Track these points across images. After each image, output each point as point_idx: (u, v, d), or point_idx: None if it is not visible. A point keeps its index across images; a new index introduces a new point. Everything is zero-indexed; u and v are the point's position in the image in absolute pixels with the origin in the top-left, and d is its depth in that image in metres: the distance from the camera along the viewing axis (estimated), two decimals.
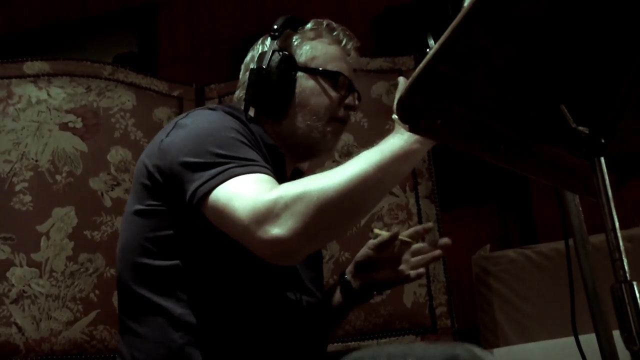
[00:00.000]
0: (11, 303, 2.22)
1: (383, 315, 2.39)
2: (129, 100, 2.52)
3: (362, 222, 2.44)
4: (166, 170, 1.37)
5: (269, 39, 1.61)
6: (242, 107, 1.56)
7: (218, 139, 1.36)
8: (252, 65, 1.59)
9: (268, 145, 1.48)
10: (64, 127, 2.42)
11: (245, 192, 1.26)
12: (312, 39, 1.62)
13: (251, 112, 1.57)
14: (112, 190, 2.39)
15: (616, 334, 1.23)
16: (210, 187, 1.28)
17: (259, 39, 1.68)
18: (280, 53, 1.56)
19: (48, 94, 2.44)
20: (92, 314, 2.27)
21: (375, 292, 1.71)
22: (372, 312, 2.38)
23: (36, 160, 2.36)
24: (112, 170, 2.41)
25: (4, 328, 2.19)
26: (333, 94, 1.58)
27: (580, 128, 1.06)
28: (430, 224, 1.72)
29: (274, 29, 1.60)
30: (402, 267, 1.65)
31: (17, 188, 2.32)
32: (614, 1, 1.00)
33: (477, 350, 1.29)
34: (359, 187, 1.25)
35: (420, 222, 2.48)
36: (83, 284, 2.29)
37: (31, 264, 2.27)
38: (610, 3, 1.00)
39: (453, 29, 0.94)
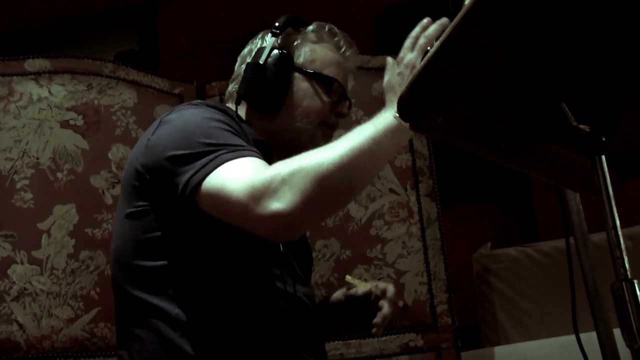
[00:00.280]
0: (12, 300, 2.22)
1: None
2: (130, 98, 2.52)
3: (363, 220, 2.44)
4: (154, 167, 1.37)
5: (269, 35, 1.60)
6: (233, 101, 1.56)
7: (204, 129, 1.36)
8: (248, 59, 1.59)
9: (256, 140, 1.47)
10: (65, 124, 2.42)
11: (239, 174, 1.26)
12: (313, 42, 1.62)
13: (243, 107, 1.57)
14: (113, 188, 2.39)
15: (617, 332, 1.23)
16: (202, 175, 1.28)
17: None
18: (279, 51, 1.56)
19: (49, 92, 2.44)
20: (93, 312, 2.27)
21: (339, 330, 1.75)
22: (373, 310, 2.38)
23: (37, 158, 2.36)
24: (113, 168, 2.41)
25: (4, 325, 2.20)
26: (326, 99, 1.58)
27: (581, 126, 1.06)
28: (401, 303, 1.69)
29: (275, 26, 1.60)
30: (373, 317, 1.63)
31: (18, 185, 2.32)
32: None
33: None
34: (355, 159, 1.26)
35: (421, 220, 2.48)
36: (84, 281, 2.29)
37: (32, 261, 2.27)
38: (611, 0, 1.00)
39: (454, 27, 0.94)
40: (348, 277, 1.67)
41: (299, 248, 1.59)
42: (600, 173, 1.05)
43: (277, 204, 1.20)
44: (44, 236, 2.30)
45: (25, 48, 3.57)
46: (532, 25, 0.98)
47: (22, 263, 2.26)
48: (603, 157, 1.06)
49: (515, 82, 1.05)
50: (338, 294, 1.72)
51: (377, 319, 1.58)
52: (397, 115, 1.04)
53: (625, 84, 1.05)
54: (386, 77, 1.46)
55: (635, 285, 0.99)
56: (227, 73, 1.70)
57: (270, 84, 1.53)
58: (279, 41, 1.58)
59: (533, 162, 1.18)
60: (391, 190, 2.49)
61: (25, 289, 2.24)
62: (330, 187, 1.24)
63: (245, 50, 1.67)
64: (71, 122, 2.42)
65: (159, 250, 1.39)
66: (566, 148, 1.14)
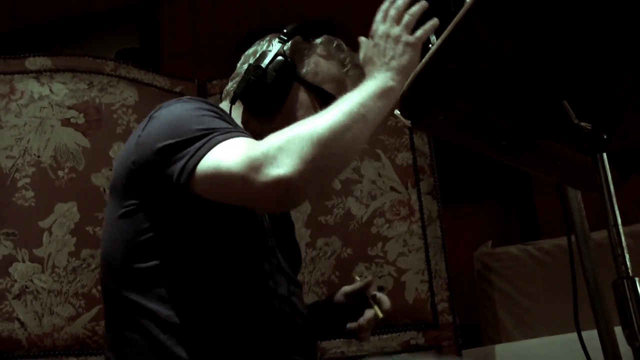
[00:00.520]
0: (13, 298, 2.22)
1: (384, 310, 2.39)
2: (131, 96, 2.52)
3: (364, 218, 2.44)
4: (146, 161, 1.35)
5: (276, 40, 1.59)
6: (230, 99, 1.56)
7: (195, 117, 1.35)
8: (251, 60, 1.59)
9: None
10: (66, 122, 2.42)
11: (233, 151, 1.26)
12: (320, 55, 1.62)
13: (239, 107, 1.57)
14: None
15: (618, 330, 1.23)
16: (197, 159, 1.28)
17: (262, 34, 1.67)
18: (284, 58, 1.56)
19: (50, 90, 2.44)
20: (94, 310, 2.27)
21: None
22: None
23: (38, 156, 2.36)
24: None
25: (6, 323, 2.20)
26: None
27: (583, 124, 1.06)
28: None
29: (284, 32, 1.59)
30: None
31: (20, 184, 2.32)
32: None
33: None
34: (346, 122, 1.29)
35: (422, 218, 2.48)
36: (85, 279, 2.29)
37: (33, 259, 2.27)
38: None
39: (455, 25, 0.94)
40: (355, 275, 1.69)
41: (289, 248, 1.59)
42: (601, 171, 1.05)
43: (277, 170, 1.20)
44: (45, 234, 2.30)
45: (26, 46, 3.58)
46: (534, 23, 0.99)
47: (23, 261, 2.26)
48: (604, 154, 1.06)
49: (516, 79, 1.05)
50: (339, 294, 1.73)
51: (362, 321, 1.65)
52: (399, 113, 1.04)
53: (626, 82, 1.05)
54: (361, 53, 1.51)
55: (637, 283, 0.99)
56: (228, 71, 1.69)
57: (268, 88, 1.53)
58: (285, 48, 1.57)
59: (534, 159, 1.18)
60: (392, 189, 2.49)
61: (26, 287, 2.24)
62: (326, 150, 1.25)
63: (250, 50, 1.67)
64: (72, 120, 2.42)
65: (149, 250, 1.38)
66: (567, 146, 1.14)
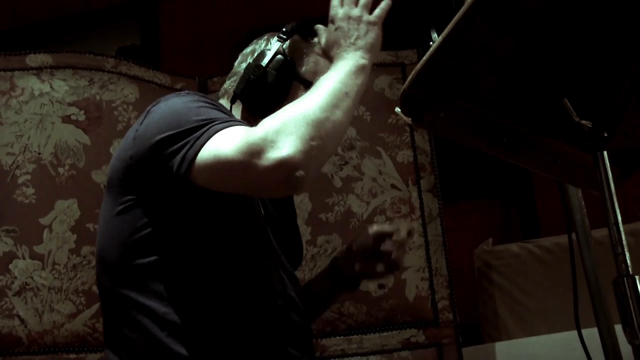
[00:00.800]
0: (14, 295, 2.22)
1: (385, 309, 2.39)
2: (131, 93, 2.52)
3: (365, 216, 2.44)
4: (145, 154, 1.35)
5: (275, 38, 1.60)
6: (228, 98, 1.56)
7: (193, 109, 1.36)
8: (250, 59, 1.59)
9: None
10: (66, 119, 2.42)
11: (232, 139, 1.26)
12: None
13: (238, 106, 1.56)
14: None
15: (618, 328, 1.23)
16: (197, 148, 1.28)
17: (262, 32, 1.67)
18: (284, 57, 1.55)
19: (51, 87, 2.44)
20: (95, 307, 2.27)
21: (360, 281, 1.75)
22: (374, 306, 2.39)
23: (39, 153, 2.36)
24: None
25: (6, 320, 2.20)
26: None
27: (583, 122, 1.06)
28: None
29: (283, 31, 1.60)
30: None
31: (20, 180, 2.32)
32: None
33: None
34: (333, 100, 1.32)
35: (422, 216, 2.48)
36: (86, 276, 2.29)
37: (34, 256, 2.27)
38: None
39: (456, 22, 0.94)
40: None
41: (289, 243, 1.59)
42: (601, 169, 1.05)
43: (278, 152, 1.21)
44: (46, 231, 2.30)
45: (26, 43, 3.58)
46: (535, 21, 0.98)
47: (23, 258, 2.26)
48: (605, 152, 1.06)
49: (517, 77, 1.05)
50: (360, 240, 1.72)
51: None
52: (399, 110, 1.04)
53: (627, 80, 1.05)
54: (322, 39, 1.55)
55: (637, 281, 0.99)
56: (228, 68, 1.69)
57: (269, 88, 1.53)
58: (284, 46, 1.58)
59: (535, 157, 1.18)
60: (393, 186, 2.49)
61: (27, 284, 2.24)
62: (321, 129, 1.27)
63: (248, 49, 1.67)
64: (73, 117, 2.42)
65: (146, 246, 1.38)
66: (568, 144, 1.14)
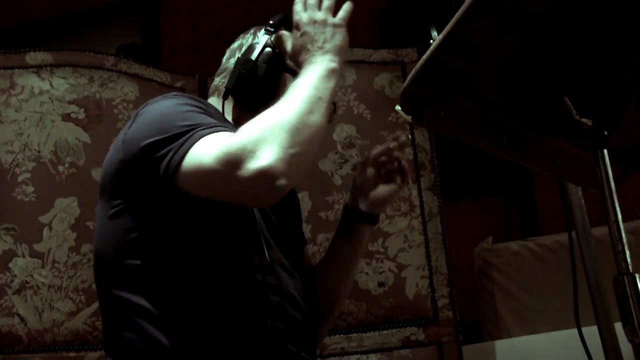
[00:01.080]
0: (13, 294, 2.22)
1: (385, 307, 2.39)
2: (131, 92, 2.52)
3: None
4: (133, 158, 1.36)
5: (262, 31, 1.60)
6: (220, 95, 1.56)
7: (180, 113, 1.36)
8: (238, 54, 1.59)
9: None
10: (66, 117, 2.41)
11: (213, 148, 1.26)
12: None
13: (230, 102, 1.56)
14: None
15: (618, 326, 1.23)
16: (181, 154, 1.28)
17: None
18: (272, 50, 1.55)
19: (51, 85, 2.44)
20: (95, 305, 2.27)
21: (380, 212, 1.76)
22: (374, 304, 2.39)
23: (39, 151, 2.36)
24: None
25: (6, 319, 2.20)
26: None
27: (584, 120, 1.06)
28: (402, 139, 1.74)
29: (270, 24, 1.60)
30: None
31: (20, 179, 2.32)
32: None
33: None
34: (308, 106, 1.31)
35: (422, 214, 2.48)
36: (85, 274, 2.29)
37: (34, 254, 2.27)
38: None
39: (457, 21, 0.94)
40: None
41: (288, 239, 1.58)
42: (602, 167, 1.05)
43: (258, 162, 1.21)
44: (46, 229, 2.30)
45: (26, 41, 3.57)
46: (535, 19, 0.98)
47: (23, 256, 2.26)
48: (605, 151, 1.06)
49: (518, 75, 1.05)
50: (358, 179, 1.74)
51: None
52: (400, 108, 1.04)
53: (627, 78, 1.05)
54: (288, 45, 1.52)
55: (637, 279, 0.99)
56: None
57: (260, 81, 1.53)
58: (272, 39, 1.57)
59: (535, 156, 1.18)
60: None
61: (26, 282, 2.24)
62: (299, 136, 1.26)
63: (235, 44, 1.67)
64: (73, 115, 2.42)
65: (139, 248, 1.39)
66: (568, 142, 1.14)
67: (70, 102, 2.43)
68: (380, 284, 2.40)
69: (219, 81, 1.62)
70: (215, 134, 1.29)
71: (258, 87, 1.53)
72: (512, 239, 3.24)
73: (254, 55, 1.54)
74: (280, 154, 1.22)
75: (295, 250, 1.64)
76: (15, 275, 2.24)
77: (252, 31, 1.65)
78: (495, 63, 1.02)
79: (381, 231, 2.44)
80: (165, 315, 1.35)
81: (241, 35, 1.67)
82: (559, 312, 2.71)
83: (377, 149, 1.73)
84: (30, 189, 2.32)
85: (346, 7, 1.52)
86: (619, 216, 1.03)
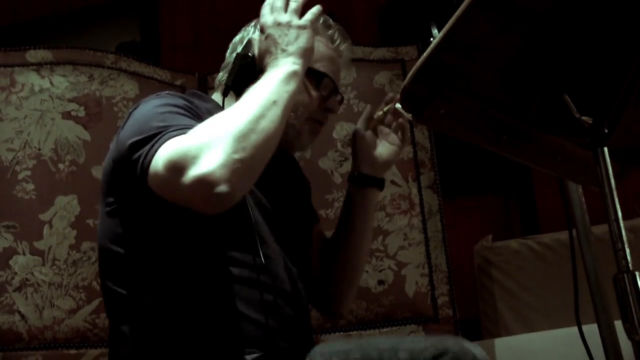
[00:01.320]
0: (14, 291, 2.23)
1: (385, 305, 2.39)
2: (131, 89, 2.52)
3: None
4: (121, 158, 1.36)
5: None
6: (221, 91, 1.55)
7: (159, 114, 1.36)
8: (239, 48, 1.57)
9: None
10: (66, 115, 2.42)
11: (164, 153, 1.25)
12: None
13: (232, 97, 1.56)
14: None
15: (618, 324, 1.23)
16: (150, 157, 1.27)
17: None
18: None
19: (51, 83, 2.44)
20: (95, 302, 2.28)
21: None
22: (374, 302, 2.39)
23: (39, 149, 2.36)
24: None
25: (7, 316, 2.20)
26: (315, 94, 1.56)
27: (584, 118, 1.06)
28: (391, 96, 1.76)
29: None
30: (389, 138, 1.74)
31: (20, 176, 2.32)
32: None
33: (467, 344, 1.34)
34: (259, 111, 1.29)
35: (422, 212, 2.48)
36: (86, 272, 2.30)
37: (34, 252, 2.27)
38: None
39: (457, 19, 0.94)
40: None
41: (288, 227, 1.57)
42: (602, 165, 1.05)
43: (198, 169, 1.19)
44: (46, 227, 2.30)
45: (26, 39, 3.57)
46: (535, 17, 0.98)
47: (24, 254, 2.26)
48: (605, 149, 1.06)
49: (518, 73, 1.05)
50: (358, 143, 1.75)
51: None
52: (400, 106, 1.04)
53: (628, 76, 1.05)
54: (256, 50, 1.51)
55: (637, 277, 0.99)
56: None
57: (258, 76, 1.48)
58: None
59: (535, 154, 1.18)
60: (392, 182, 2.49)
61: (27, 279, 2.24)
62: (246, 142, 1.24)
63: (237, 37, 1.66)
64: (73, 113, 2.42)
65: (130, 244, 1.41)
66: (568, 140, 1.14)
67: (70, 100, 2.43)
68: (380, 282, 2.40)
69: (222, 76, 1.62)
70: (173, 138, 1.28)
71: (256, 81, 1.49)
72: (512, 237, 3.24)
73: (252, 51, 1.52)
74: (222, 160, 1.20)
75: (296, 236, 1.63)
76: (15, 273, 2.24)
77: (253, 23, 1.64)
78: (495, 61, 1.02)
79: (381, 229, 2.44)
80: (158, 310, 1.36)
81: (243, 27, 1.67)
82: (559, 310, 2.71)
83: (369, 112, 1.76)
84: (31, 186, 2.32)
85: (314, 9, 1.51)
86: (619, 214, 1.03)
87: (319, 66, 1.57)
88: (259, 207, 1.49)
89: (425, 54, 0.98)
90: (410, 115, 1.03)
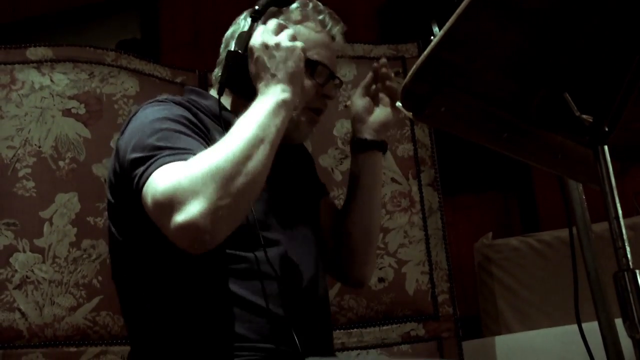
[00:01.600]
0: (14, 288, 2.23)
1: (385, 302, 2.39)
2: (132, 87, 2.51)
3: None
4: (123, 172, 1.38)
5: (250, 18, 1.55)
6: (216, 88, 1.55)
7: (156, 130, 1.36)
8: (232, 43, 1.53)
9: None
10: (67, 113, 2.41)
11: (159, 183, 1.26)
12: (296, 22, 1.58)
13: (229, 94, 1.55)
14: None
15: (618, 322, 1.24)
16: (144, 179, 1.29)
17: None
18: None
19: (51, 80, 2.44)
20: (95, 300, 2.28)
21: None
22: (374, 300, 2.39)
23: (39, 147, 2.36)
24: None
25: (7, 313, 2.20)
26: (309, 83, 1.55)
27: (584, 116, 1.06)
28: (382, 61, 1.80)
29: (255, 9, 1.56)
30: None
31: (20, 174, 2.32)
32: None
33: None
34: (246, 151, 1.27)
35: (422, 209, 2.48)
36: (86, 270, 2.30)
37: (34, 249, 2.27)
38: None
39: (458, 16, 0.94)
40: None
41: (299, 233, 1.57)
42: (602, 163, 1.05)
43: (184, 216, 1.20)
44: (46, 224, 2.30)
45: (27, 36, 3.57)
46: (536, 14, 0.98)
47: (24, 251, 2.26)
48: (605, 147, 1.06)
49: (518, 71, 1.05)
50: (355, 109, 1.78)
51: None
52: (400, 104, 1.04)
53: (628, 74, 1.05)
54: (251, 68, 1.46)
55: (637, 275, 0.99)
56: None
57: (249, 71, 1.47)
58: (259, 24, 1.52)
59: (536, 152, 1.18)
60: (393, 180, 2.49)
61: (27, 277, 2.24)
62: (231, 185, 1.23)
63: (229, 32, 1.65)
64: (73, 110, 2.42)
65: (131, 245, 1.43)
66: (569, 138, 1.14)
67: (70, 98, 2.43)
68: (381, 280, 2.40)
69: (217, 72, 1.62)
70: (172, 164, 1.28)
71: (249, 77, 1.47)
72: (512, 234, 3.25)
73: (242, 47, 1.49)
74: (206, 207, 1.20)
75: (304, 221, 1.62)
76: (15, 270, 2.24)
77: (243, 16, 1.63)
78: (496, 59, 1.02)
79: (381, 227, 2.44)
80: (162, 316, 1.39)
81: (233, 22, 1.66)
82: (559, 307, 2.72)
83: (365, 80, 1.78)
84: (31, 184, 2.32)
85: (289, 30, 1.48)
86: (620, 212, 1.03)
87: (312, 54, 1.55)
88: (261, 201, 1.48)
89: (425, 52, 0.98)
90: (411, 113, 1.03)
